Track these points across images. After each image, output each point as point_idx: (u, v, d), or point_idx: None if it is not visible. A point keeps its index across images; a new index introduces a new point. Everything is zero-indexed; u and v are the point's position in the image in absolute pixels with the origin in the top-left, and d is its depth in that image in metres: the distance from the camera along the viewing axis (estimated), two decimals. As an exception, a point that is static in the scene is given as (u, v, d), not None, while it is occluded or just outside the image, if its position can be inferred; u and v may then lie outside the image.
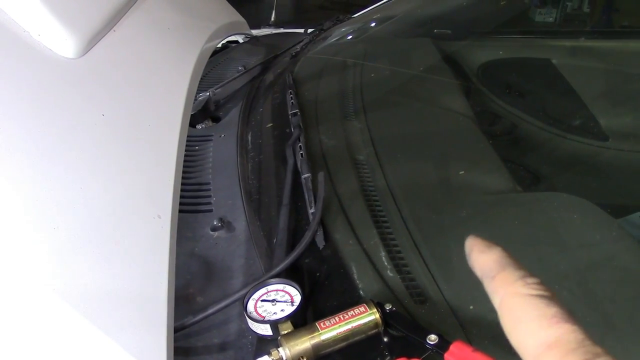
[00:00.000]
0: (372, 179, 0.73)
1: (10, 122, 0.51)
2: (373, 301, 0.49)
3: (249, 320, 0.51)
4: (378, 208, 0.67)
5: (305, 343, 0.46)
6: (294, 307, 0.51)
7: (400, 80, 1.09)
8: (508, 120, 1.03)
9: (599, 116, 1.00)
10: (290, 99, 0.91)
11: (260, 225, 0.68)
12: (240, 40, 1.40)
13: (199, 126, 0.96)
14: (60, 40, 0.62)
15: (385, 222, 0.64)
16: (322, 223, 0.64)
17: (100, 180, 0.54)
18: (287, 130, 0.85)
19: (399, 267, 0.57)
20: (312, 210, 0.64)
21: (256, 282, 0.54)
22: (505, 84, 1.18)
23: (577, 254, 0.59)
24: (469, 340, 0.48)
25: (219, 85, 1.04)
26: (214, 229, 0.68)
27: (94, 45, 0.67)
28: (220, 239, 0.67)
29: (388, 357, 0.47)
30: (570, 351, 0.23)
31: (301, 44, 1.30)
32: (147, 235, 0.54)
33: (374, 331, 0.48)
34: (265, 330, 0.50)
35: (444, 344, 0.43)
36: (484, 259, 0.29)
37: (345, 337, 0.47)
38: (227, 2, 1.29)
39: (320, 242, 0.62)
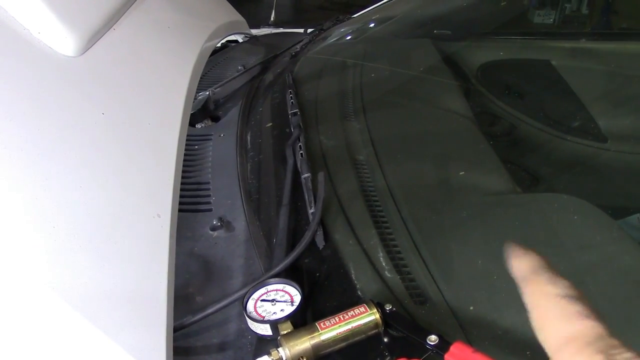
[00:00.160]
0: (372, 179, 0.73)
1: (10, 120, 0.51)
2: (373, 301, 0.49)
3: (248, 320, 0.51)
4: (378, 208, 0.67)
5: (305, 343, 0.46)
6: (294, 307, 0.51)
7: (400, 81, 1.09)
8: (507, 121, 1.03)
9: (598, 118, 1.00)
10: (290, 98, 0.91)
11: (259, 225, 0.68)
12: (240, 40, 1.40)
13: (198, 125, 0.96)
14: (60, 39, 0.62)
15: (385, 222, 0.64)
16: (322, 223, 0.64)
17: (100, 179, 0.54)
18: (287, 130, 0.85)
19: (398, 268, 0.57)
20: (311, 210, 0.64)
21: (256, 282, 0.54)
22: (505, 85, 1.18)
23: (577, 255, 0.59)
24: (469, 341, 0.48)
25: (218, 85, 1.04)
26: (214, 228, 0.68)
27: (93, 44, 0.67)
28: (220, 239, 0.67)
29: (388, 358, 0.47)
30: (589, 344, 0.25)
31: (301, 43, 1.30)
32: (146, 234, 0.53)
33: (374, 331, 0.48)
34: (264, 330, 0.50)
35: (444, 345, 0.43)
36: (520, 264, 0.31)
37: (345, 337, 0.47)
38: (226, 1, 1.29)
39: (320, 242, 0.62)
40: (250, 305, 0.52)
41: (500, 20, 1.36)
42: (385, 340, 0.48)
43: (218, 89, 1.03)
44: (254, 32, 1.47)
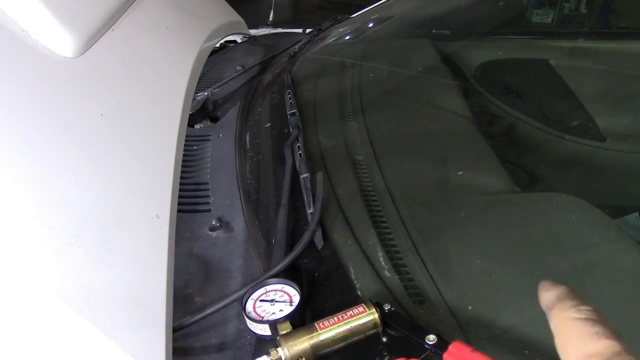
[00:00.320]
0: (371, 179, 0.73)
1: (9, 121, 0.51)
2: (372, 301, 0.49)
3: (247, 321, 0.51)
4: (377, 208, 0.67)
5: (304, 343, 0.46)
6: (293, 307, 0.51)
7: (399, 81, 1.09)
8: (506, 120, 1.03)
9: (597, 117, 1.00)
10: (288, 98, 0.91)
11: (258, 225, 0.68)
12: (239, 40, 1.40)
13: (197, 126, 0.96)
14: (59, 40, 0.62)
15: (384, 222, 0.64)
16: (321, 223, 0.64)
17: (99, 180, 0.54)
18: (286, 130, 0.85)
19: (397, 268, 0.57)
20: (310, 211, 0.64)
21: (255, 282, 0.54)
22: (504, 84, 1.18)
23: (575, 255, 0.60)
24: (468, 340, 0.48)
25: (217, 85, 1.04)
26: (213, 229, 0.68)
27: (92, 45, 0.67)
28: (219, 239, 0.67)
29: (387, 357, 0.47)
30: None
31: (299, 44, 1.30)
32: (145, 235, 0.54)
33: (373, 331, 0.48)
34: (264, 330, 0.50)
35: (442, 344, 0.43)
36: (548, 294, 0.33)
37: (344, 337, 0.47)
38: (225, 1, 1.29)
39: (319, 242, 0.62)
40: (249, 306, 0.52)
41: (499, 20, 1.36)
42: (384, 340, 0.48)
43: (217, 89, 1.03)
44: (253, 32, 1.47)
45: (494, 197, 0.71)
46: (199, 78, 0.87)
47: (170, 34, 0.88)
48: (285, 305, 0.52)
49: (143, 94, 0.70)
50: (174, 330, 0.50)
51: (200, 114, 0.97)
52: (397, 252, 0.60)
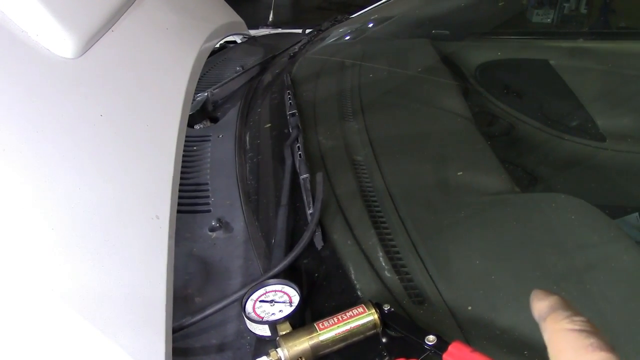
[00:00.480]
0: (371, 179, 0.73)
1: (9, 123, 0.51)
2: (371, 302, 0.49)
3: (247, 321, 0.51)
4: (376, 209, 0.67)
5: (303, 344, 0.46)
6: (293, 308, 0.51)
7: (398, 81, 1.09)
8: (506, 121, 1.03)
9: (597, 117, 1.00)
10: (288, 99, 0.91)
11: (258, 225, 0.68)
12: (239, 41, 1.40)
13: (197, 126, 0.96)
14: (59, 41, 0.62)
15: (384, 222, 0.64)
16: (321, 224, 0.64)
17: (99, 181, 0.54)
18: (286, 131, 0.85)
19: (397, 268, 0.57)
20: (310, 211, 0.64)
21: (255, 283, 0.54)
22: (503, 84, 1.18)
23: (575, 255, 0.60)
24: (467, 341, 0.48)
25: (217, 86, 1.04)
26: (212, 229, 0.68)
27: (92, 46, 0.67)
28: (219, 240, 0.67)
29: (386, 358, 0.47)
30: None
31: (299, 44, 1.30)
32: (145, 235, 0.54)
33: (373, 332, 0.48)
34: (263, 330, 0.50)
35: (442, 345, 0.43)
36: (541, 304, 0.33)
37: (343, 337, 0.47)
38: (225, 2, 1.29)
39: (319, 243, 0.62)
40: (249, 306, 0.52)
41: (499, 20, 1.36)
42: (384, 340, 0.48)
43: (217, 89, 1.03)
44: (253, 32, 1.47)
45: (493, 197, 0.71)
46: (199, 78, 0.87)
47: (170, 34, 0.88)
48: (285, 305, 0.52)
49: (143, 95, 0.70)
50: (174, 331, 0.50)
51: (200, 115, 0.97)
52: (397, 252, 0.60)
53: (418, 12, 1.39)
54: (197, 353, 0.52)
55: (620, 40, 1.31)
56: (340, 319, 0.48)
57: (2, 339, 0.41)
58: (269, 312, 0.51)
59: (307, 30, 1.46)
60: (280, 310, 0.51)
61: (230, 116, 0.97)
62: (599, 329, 0.43)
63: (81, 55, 0.64)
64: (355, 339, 0.48)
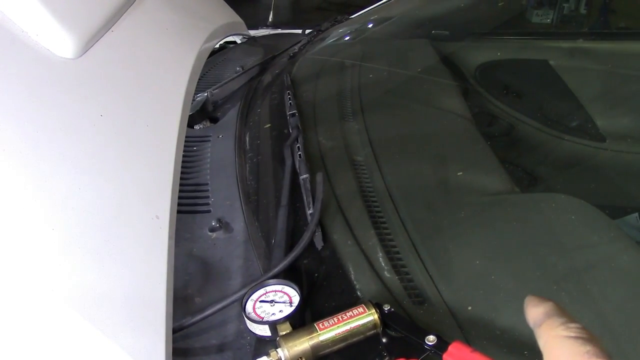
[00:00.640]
0: (371, 179, 0.73)
1: (8, 123, 0.51)
2: (371, 302, 0.49)
3: (247, 321, 0.51)
4: (376, 209, 0.67)
5: (304, 344, 0.46)
6: (293, 308, 0.51)
7: (398, 81, 1.09)
8: (506, 121, 1.03)
9: (596, 117, 1.00)
10: (288, 99, 0.91)
11: (258, 226, 0.68)
12: (238, 41, 1.40)
13: (197, 127, 0.96)
14: (59, 41, 0.62)
15: (384, 223, 0.64)
16: (321, 224, 0.64)
17: (99, 181, 0.54)
18: (285, 131, 0.85)
19: (397, 268, 0.57)
20: (310, 211, 0.64)
21: (255, 283, 0.54)
22: (503, 85, 1.18)
23: (575, 255, 0.60)
24: (468, 341, 0.48)
25: (217, 86, 1.04)
26: (212, 229, 0.68)
27: (92, 46, 0.67)
28: (219, 240, 0.67)
29: (387, 358, 0.47)
30: None
31: (299, 44, 1.30)
32: (145, 235, 0.54)
33: (373, 332, 0.48)
34: (263, 331, 0.50)
35: (442, 345, 0.43)
36: (536, 310, 0.33)
37: (343, 337, 0.47)
38: (225, 2, 1.29)
39: (319, 243, 0.62)
40: (249, 306, 0.52)
41: (499, 20, 1.36)
42: (384, 340, 0.48)
43: (216, 90, 1.03)
44: (252, 33, 1.47)
45: (493, 197, 0.71)
46: (199, 79, 0.87)
47: (169, 34, 0.88)
48: (285, 306, 0.52)
49: (143, 95, 0.70)
50: (174, 331, 0.50)
51: (200, 115, 0.97)
52: (397, 252, 0.60)
53: (418, 13, 1.39)
54: (198, 353, 0.52)
55: (620, 41, 1.31)
56: (341, 319, 0.48)
57: (3, 339, 0.41)
58: (269, 312, 0.51)
59: (307, 31, 1.46)
60: (280, 311, 0.51)
61: (230, 116, 0.97)
62: (600, 329, 0.43)
63: (81, 55, 0.64)
64: (355, 339, 0.48)
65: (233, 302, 0.54)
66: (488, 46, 1.26)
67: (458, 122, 0.91)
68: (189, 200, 0.74)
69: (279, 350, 0.46)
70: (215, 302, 0.54)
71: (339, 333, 0.47)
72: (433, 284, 0.55)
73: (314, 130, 0.86)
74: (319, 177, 0.67)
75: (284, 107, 0.91)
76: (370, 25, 1.39)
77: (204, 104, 0.98)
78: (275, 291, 0.54)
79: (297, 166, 0.73)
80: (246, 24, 1.39)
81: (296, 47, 1.28)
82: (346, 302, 0.53)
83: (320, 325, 0.47)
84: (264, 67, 1.20)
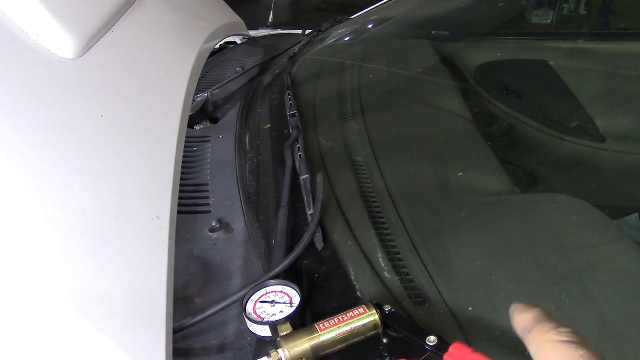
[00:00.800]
0: (371, 180, 0.73)
1: (9, 123, 0.51)
2: (372, 302, 0.49)
3: (248, 322, 0.51)
4: (377, 209, 0.67)
5: (304, 344, 0.46)
6: (293, 309, 0.51)
7: (398, 82, 1.09)
8: (506, 121, 1.03)
9: (596, 118, 1.00)
10: (288, 100, 0.91)
11: (259, 226, 0.68)
12: (239, 42, 1.40)
13: (197, 127, 0.96)
14: (59, 41, 0.62)
15: (384, 223, 0.64)
16: (321, 224, 0.64)
17: (99, 182, 0.54)
18: (286, 132, 0.85)
19: (397, 269, 0.57)
20: (311, 212, 0.64)
21: (255, 284, 0.54)
22: (503, 85, 1.18)
23: (575, 255, 0.60)
24: (468, 342, 0.48)
25: (217, 86, 1.04)
26: (213, 230, 0.68)
27: (92, 46, 0.67)
28: (219, 240, 0.67)
29: (387, 359, 0.47)
30: None
31: (299, 45, 1.30)
32: (146, 236, 0.54)
33: (374, 332, 0.48)
34: (264, 331, 0.50)
35: (443, 345, 0.43)
36: (524, 317, 0.32)
37: (344, 338, 0.47)
38: (225, 3, 1.29)
39: (319, 244, 0.62)
40: (249, 307, 0.52)
41: (499, 21, 1.36)
42: (385, 341, 0.48)
43: (217, 90, 1.03)
44: (253, 33, 1.47)
45: (494, 198, 0.71)
46: (199, 79, 0.87)
47: (170, 35, 0.88)
48: (286, 306, 0.52)
49: (143, 95, 0.70)
50: (175, 332, 0.50)
51: (200, 115, 0.97)
52: (398, 253, 0.60)
53: (418, 13, 1.39)
54: (198, 354, 0.52)
55: (620, 41, 1.31)
56: (341, 319, 0.48)
57: (3, 339, 0.41)
58: (269, 313, 0.51)
59: (307, 31, 1.46)
60: (281, 311, 0.51)
61: (231, 117, 0.97)
62: (600, 329, 0.43)
63: (81, 55, 0.64)
64: (356, 339, 0.48)
65: (233, 302, 0.54)
66: (488, 47, 1.26)
67: (458, 123, 0.91)
68: (190, 200, 0.74)
69: (279, 350, 0.46)
70: (216, 302, 0.54)
71: (339, 334, 0.47)
72: (434, 285, 0.55)
73: (315, 130, 0.86)
74: (320, 177, 0.67)
75: (284, 107, 0.91)
76: (370, 26, 1.39)
77: (204, 105, 0.98)
78: (276, 292, 0.54)
79: (297, 167, 0.73)
80: (246, 24, 1.39)
81: (296, 48, 1.28)
82: (347, 302, 0.53)
83: (321, 325, 0.47)
84: (264, 68, 1.20)
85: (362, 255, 0.59)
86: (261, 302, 0.53)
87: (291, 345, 0.46)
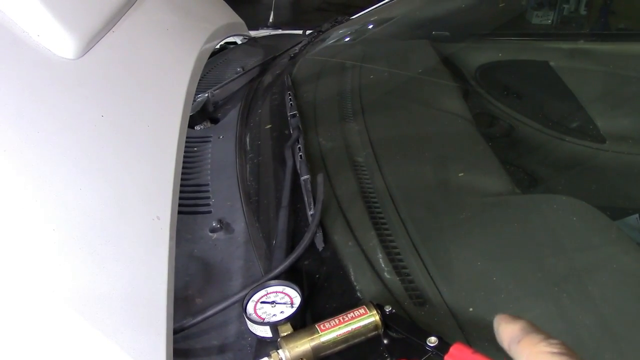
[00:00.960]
0: (371, 180, 0.73)
1: (9, 123, 0.51)
2: (373, 303, 0.49)
3: (248, 322, 0.51)
4: (377, 210, 0.67)
5: (305, 345, 0.46)
6: (294, 309, 0.51)
7: (399, 82, 1.09)
8: (506, 122, 1.03)
9: (597, 118, 1.00)
10: (289, 100, 0.91)
11: (259, 226, 0.68)
12: (239, 42, 1.40)
13: (197, 127, 0.96)
14: (60, 41, 0.62)
15: (384, 224, 0.64)
16: (322, 225, 0.64)
17: (100, 182, 0.54)
18: (286, 132, 0.85)
19: (398, 269, 0.57)
20: (311, 212, 0.64)
21: (256, 284, 0.54)
22: (503, 86, 1.18)
23: (576, 256, 0.60)
24: (469, 342, 0.48)
25: (217, 87, 1.04)
26: (213, 230, 0.68)
27: (93, 46, 0.67)
28: (219, 241, 0.67)
29: (388, 359, 0.47)
30: None
31: (300, 45, 1.30)
32: (146, 236, 0.53)
33: (374, 333, 0.48)
34: (264, 332, 0.50)
35: (443, 346, 0.43)
36: (510, 328, 0.32)
37: (345, 339, 0.47)
38: (225, 3, 1.29)
39: (320, 244, 0.62)
40: (250, 307, 0.52)
41: (499, 21, 1.36)
42: (385, 341, 0.48)
43: (217, 90, 1.03)
44: (253, 33, 1.47)
45: (494, 198, 0.71)
46: (199, 79, 0.87)
47: (170, 35, 0.88)
48: (286, 307, 0.52)
49: (143, 95, 0.70)
50: (175, 332, 0.50)
51: (201, 116, 0.97)
52: (398, 253, 0.59)
53: (418, 14, 1.39)
54: (198, 354, 0.52)
55: (621, 42, 1.31)
56: (342, 320, 0.48)
57: (3, 340, 0.41)
58: (270, 313, 0.51)
59: (308, 32, 1.46)
60: (281, 312, 0.51)
61: (231, 117, 0.97)
62: (601, 330, 0.43)
63: (82, 55, 0.64)
64: (356, 340, 0.48)
65: (234, 303, 0.54)
66: (488, 47, 1.26)
67: (458, 123, 0.91)
68: (190, 201, 0.74)
69: (280, 351, 0.46)
70: (216, 303, 0.54)
71: (340, 334, 0.47)
72: (434, 285, 0.55)
73: (315, 131, 0.86)
74: (320, 178, 0.67)
75: (284, 107, 0.91)
76: (370, 26, 1.39)
77: (205, 105, 0.98)
78: (277, 292, 0.54)
79: (297, 167, 0.73)
80: (247, 24, 1.39)
81: (297, 48, 1.28)
82: (347, 303, 0.53)
83: (322, 326, 0.47)
84: (264, 68, 1.20)
85: (363, 256, 0.59)
86: (262, 302, 0.53)
87: (292, 345, 0.46)
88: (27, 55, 0.59)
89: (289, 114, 0.87)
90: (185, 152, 0.68)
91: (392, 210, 0.67)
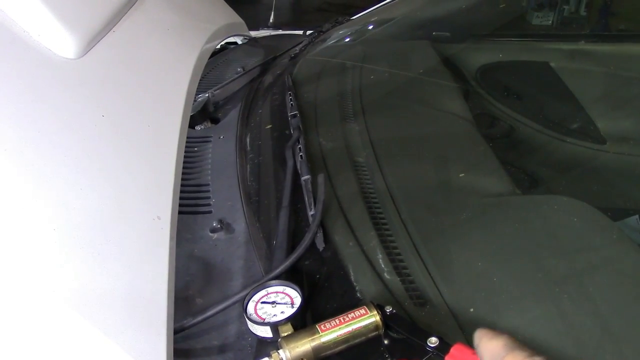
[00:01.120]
0: (372, 181, 0.73)
1: (10, 123, 0.51)
2: (373, 303, 0.49)
3: (248, 322, 0.51)
4: (377, 210, 0.67)
5: (305, 345, 0.46)
6: (294, 309, 0.51)
7: (399, 83, 1.09)
8: (507, 123, 1.03)
9: (597, 119, 1.00)
10: (289, 100, 0.91)
11: (259, 227, 0.68)
12: (239, 42, 1.40)
13: (198, 127, 0.96)
14: (61, 41, 0.62)
15: (385, 224, 0.64)
16: (322, 225, 0.64)
17: (100, 182, 0.54)
18: (287, 132, 0.85)
19: (398, 269, 0.57)
20: (311, 212, 0.64)
21: (256, 284, 0.54)
22: (504, 86, 1.18)
23: (576, 257, 0.60)
24: (469, 343, 0.48)
25: (218, 87, 1.04)
26: (214, 230, 0.68)
27: (93, 46, 0.67)
28: (220, 241, 0.67)
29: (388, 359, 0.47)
30: None
31: (300, 45, 1.30)
32: (146, 236, 0.53)
33: (375, 333, 0.48)
34: (265, 332, 0.50)
35: (444, 346, 0.43)
36: (493, 344, 0.32)
37: (345, 339, 0.47)
38: (225, 3, 1.29)
39: (320, 244, 0.62)
40: (250, 307, 0.52)
41: (499, 22, 1.36)
42: (386, 342, 0.48)
43: (217, 90, 1.03)
44: (253, 34, 1.47)
45: (494, 199, 0.71)
46: (200, 79, 0.87)
47: (171, 35, 0.88)
48: (287, 307, 0.52)
49: (144, 95, 0.70)
50: (175, 332, 0.50)
51: (201, 116, 0.97)
52: (398, 254, 0.59)
53: (419, 14, 1.39)
54: (199, 354, 0.52)
55: (621, 43, 1.31)
56: (342, 320, 0.48)
57: (4, 339, 0.41)
58: (270, 314, 0.51)
59: (308, 32, 1.46)
60: (282, 312, 0.51)
61: (232, 117, 0.97)
62: (601, 331, 0.43)
63: (83, 55, 0.64)
64: (357, 340, 0.48)
65: (234, 303, 0.54)
66: (489, 48, 1.26)
67: (459, 124, 0.91)
68: (190, 201, 0.74)
69: (280, 351, 0.46)
70: (217, 303, 0.54)
71: (340, 334, 0.47)
72: (435, 286, 0.55)
73: (315, 131, 0.86)
74: (321, 178, 0.67)
75: (285, 108, 0.91)
76: (371, 27, 1.39)
77: (205, 105, 0.98)
78: (277, 292, 0.54)
79: (298, 167, 0.73)
80: (247, 24, 1.39)
81: (297, 48, 1.28)
82: (348, 303, 0.53)
83: (322, 326, 0.47)
84: (265, 68, 1.20)
85: (363, 256, 0.59)
86: (262, 302, 0.53)
87: (292, 345, 0.46)
88: (27, 55, 0.59)
89: (289, 114, 0.87)
90: (185, 152, 0.68)
91: (393, 210, 0.66)
